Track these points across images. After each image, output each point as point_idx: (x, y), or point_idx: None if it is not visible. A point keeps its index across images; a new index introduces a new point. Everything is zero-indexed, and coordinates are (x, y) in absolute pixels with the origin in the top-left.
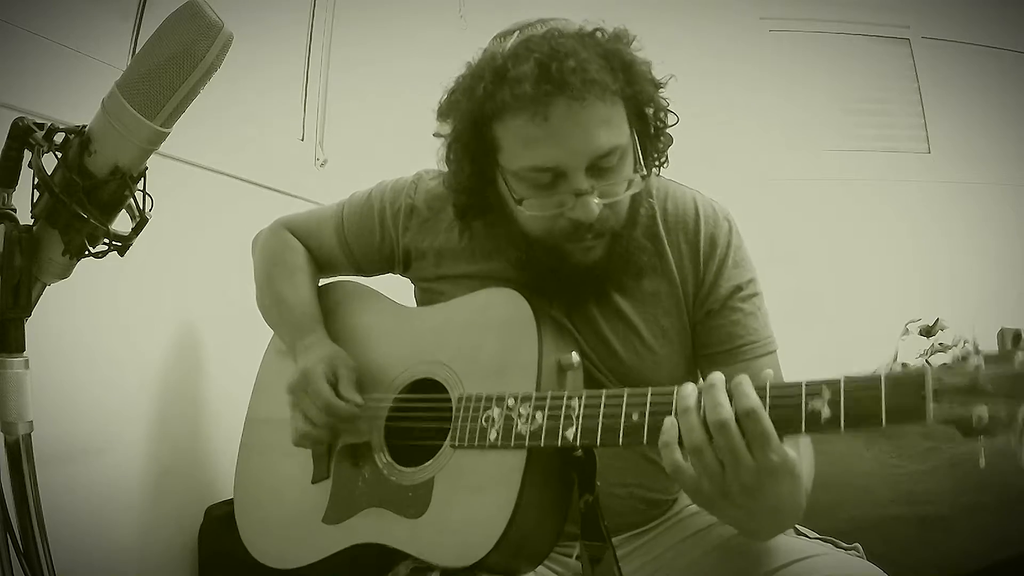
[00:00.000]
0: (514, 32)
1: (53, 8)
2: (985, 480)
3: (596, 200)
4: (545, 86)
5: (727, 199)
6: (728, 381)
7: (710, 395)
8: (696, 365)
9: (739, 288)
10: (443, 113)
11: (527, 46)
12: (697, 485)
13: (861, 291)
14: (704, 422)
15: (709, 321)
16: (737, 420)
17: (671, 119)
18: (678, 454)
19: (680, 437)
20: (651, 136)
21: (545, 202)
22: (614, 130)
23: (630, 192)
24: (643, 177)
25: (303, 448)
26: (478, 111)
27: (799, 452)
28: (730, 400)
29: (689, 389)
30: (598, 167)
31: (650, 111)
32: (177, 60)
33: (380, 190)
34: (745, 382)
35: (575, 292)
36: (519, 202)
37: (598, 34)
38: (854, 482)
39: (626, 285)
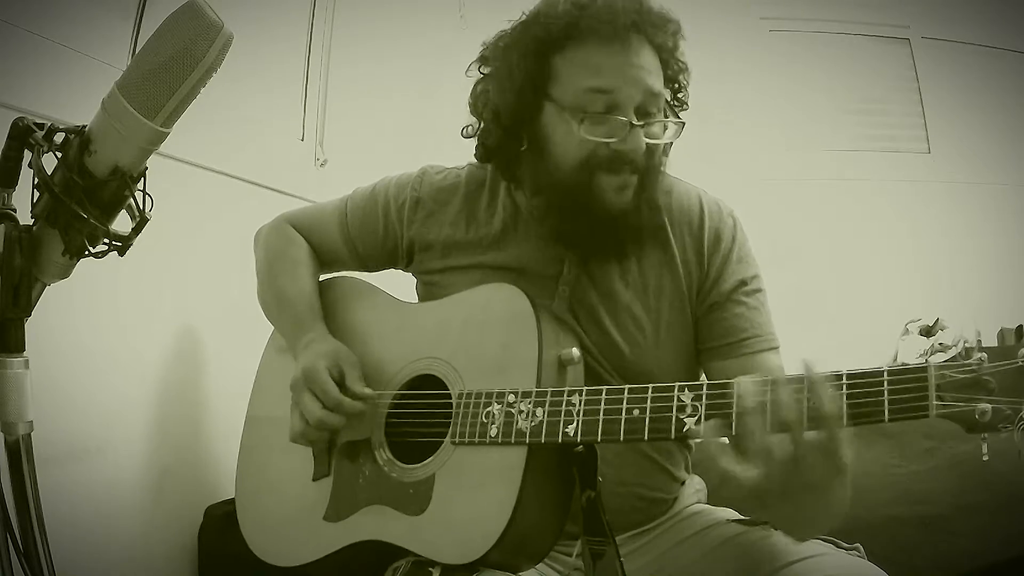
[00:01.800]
0: None
1: (53, 8)
2: (985, 480)
3: (642, 136)
4: (626, 19)
5: (728, 199)
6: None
7: (786, 390)
8: (698, 359)
9: (743, 283)
10: (489, 57)
11: None
12: (756, 483)
13: (861, 291)
14: (776, 417)
15: (712, 314)
16: (815, 417)
17: (687, 99)
18: (730, 460)
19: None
20: (671, 106)
21: (597, 129)
22: (660, 80)
23: (668, 138)
24: (678, 125)
25: (302, 445)
26: (546, 38)
27: None
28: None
29: (755, 384)
30: (644, 109)
31: (674, 86)
32: (177, 60)
33: (384, 185)
34: (822, 380)
35: (598, 242)
36: (580, 122)
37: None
38: (854, 482)
39: (626, 276)
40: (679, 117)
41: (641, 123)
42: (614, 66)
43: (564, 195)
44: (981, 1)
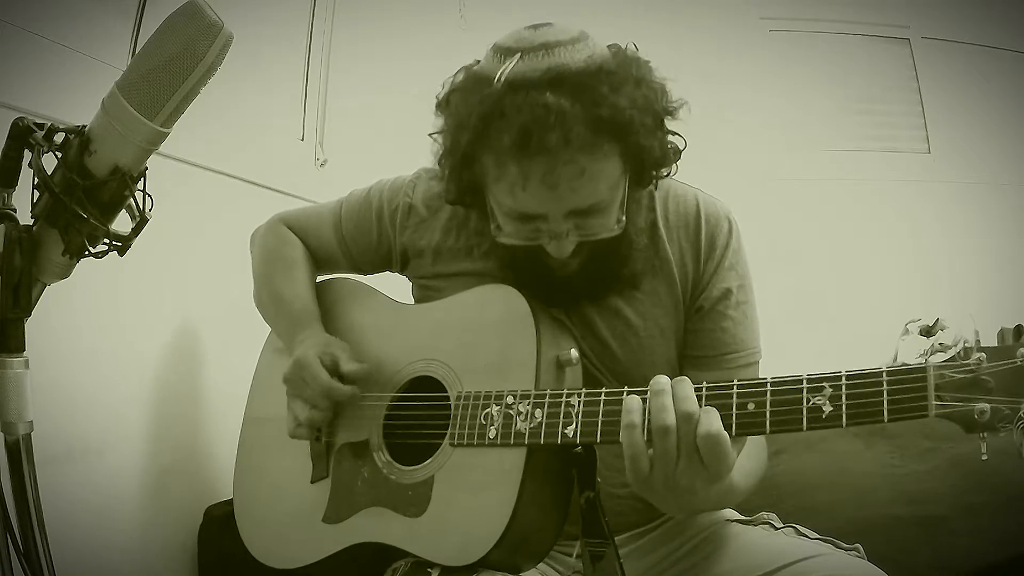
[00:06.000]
0: (515, 54)
1: (53, 8)
2: (985, 480)
3: (572, 240)
4: (523, 158)
5: (728, 199)
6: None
7: (658, 400)
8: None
9: (729, 292)
10: (442, 109)
11: (514, 100)
12: (648, 473)
13: (861, 291)
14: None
15: (697, 323)
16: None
17: (680, 143)
18: (640, 436)
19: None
20: (647, 169)
21: (523, 232)
22: (599, 186)
23: (607, 236)
24: (620, 224)
25: (299, 440)
26: (467, 149)
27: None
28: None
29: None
30: (579, 211)
31: (648, 156)
32: (177, 60)
33: (378, 189)
34: (712, 413)
35: (557, 296)
36: (497, 230)
37: (600, 80)
38: (854, 482)
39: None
40: (663, 170)
41: (565, 232)
42: (533, 186)
43: (513, 257)
44: (981, 1)
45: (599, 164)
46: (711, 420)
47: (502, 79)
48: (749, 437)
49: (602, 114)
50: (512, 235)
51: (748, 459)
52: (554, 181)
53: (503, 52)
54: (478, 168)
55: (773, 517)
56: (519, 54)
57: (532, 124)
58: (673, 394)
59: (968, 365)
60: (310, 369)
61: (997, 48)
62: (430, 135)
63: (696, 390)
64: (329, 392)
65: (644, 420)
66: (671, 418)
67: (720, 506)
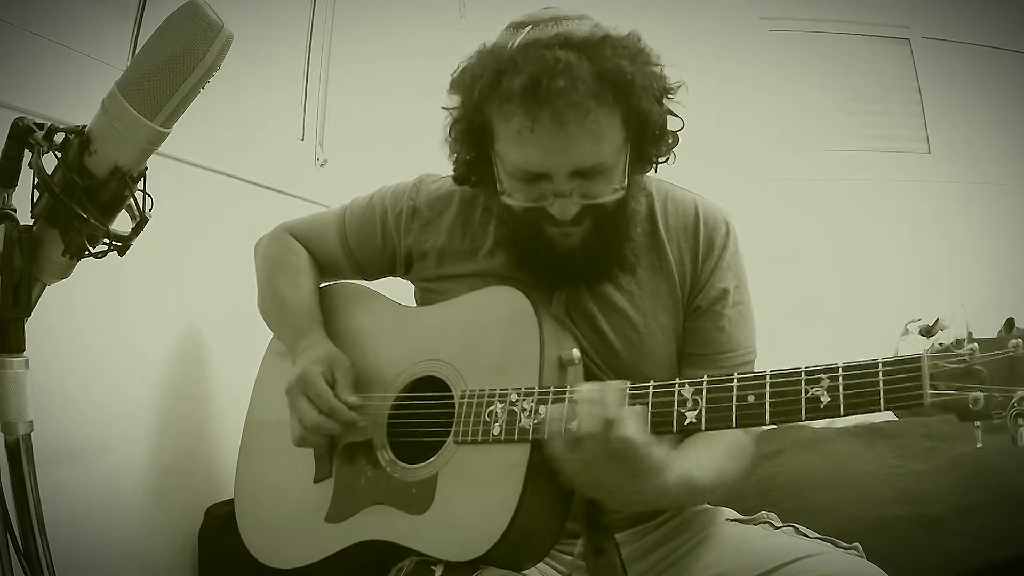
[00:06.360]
0: (526, 26)
1: (53, 8)
2: (985, 480)
3: (576, 201)
4: (531, 103)
5: (727, 199)
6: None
7: (585, 408)
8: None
9: (726, 292)
10: (456, 87)
11: (526, 54)
12: (576, 475)
13: (861, 291)
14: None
15: (695, 322)
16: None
17: (676, 123)
18: (562, 444)
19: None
20: (647, 142)
21: (528, 193)
22: (602, 144)
23: (612, 198)
24: (624, 188)
25: (304, 448)
26: (478, 102)
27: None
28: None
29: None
30: (582, 172)
31: (648, 124)
32: (177, 60)
33: (381, 194)
34: (632, 418)
35: (559, 275)
36: (502, 193)
37: (605, 45)
38: (854, 482)
39: (620, 280)
40: (663, 146)
41: (569, 191)
42: (533, 142)
43: (518, 231)
44: (981, 1)
45: (605, 113)
46: (626, 425)
47: (514, 46)
48: (731, 437)
49: (607, 68)
50: (517, 196)
51: (722, 459)
52: (563, 120)
53: (516, 26)
54: (487, 121)
55: (773, 516)
56: (530, 26)
57: (542, 72)
58: (602, 401)
59: (961, 355)
60: (314, 386)
61: (997, 48)
62: (443, 108)
63: (696, 384)
64: (332, 411)
65: (566, 427)
66: (595, 426)
67: (675, 503)
